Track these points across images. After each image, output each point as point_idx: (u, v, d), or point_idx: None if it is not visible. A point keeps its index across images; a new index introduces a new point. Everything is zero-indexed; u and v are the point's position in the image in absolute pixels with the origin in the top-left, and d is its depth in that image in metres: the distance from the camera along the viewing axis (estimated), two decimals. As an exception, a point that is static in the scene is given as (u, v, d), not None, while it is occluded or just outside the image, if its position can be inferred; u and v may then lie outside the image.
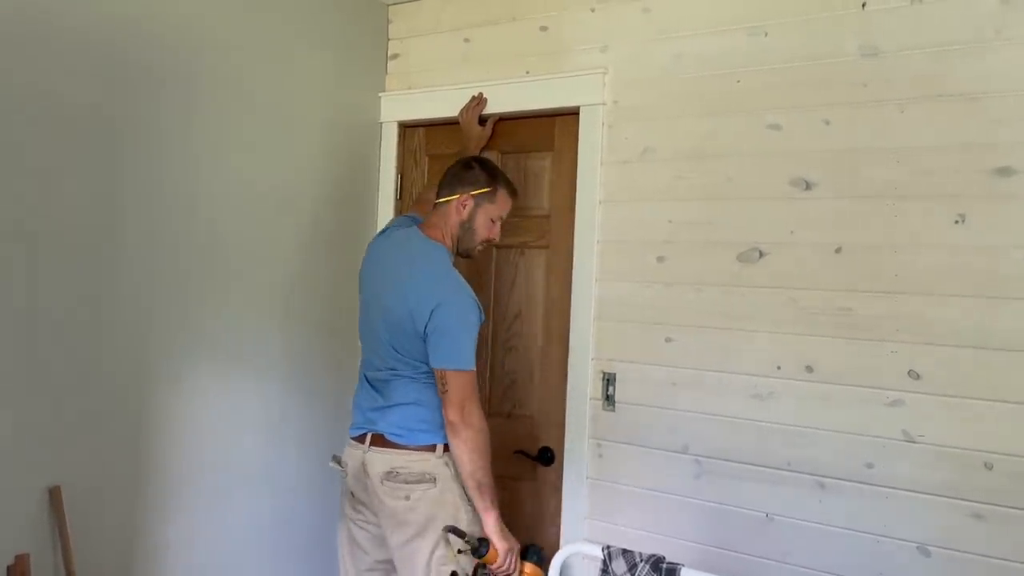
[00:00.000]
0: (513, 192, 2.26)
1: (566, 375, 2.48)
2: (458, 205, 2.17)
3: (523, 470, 2.56)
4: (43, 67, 1.90)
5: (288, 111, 2.56)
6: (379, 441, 2.12)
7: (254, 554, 2.51)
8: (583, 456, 2.43)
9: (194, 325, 2.28)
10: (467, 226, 2.18)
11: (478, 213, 2.19)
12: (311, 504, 2.70)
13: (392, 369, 2.13)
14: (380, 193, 2.93)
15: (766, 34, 2.18)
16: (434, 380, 2.07)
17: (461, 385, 2.01)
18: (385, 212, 2.91)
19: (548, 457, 2.54)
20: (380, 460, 2.10)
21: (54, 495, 1.95)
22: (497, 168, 2.27)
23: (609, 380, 2.39)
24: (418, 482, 2.05)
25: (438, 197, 2.21)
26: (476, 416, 2.01)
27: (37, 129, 1.90)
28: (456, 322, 2.03)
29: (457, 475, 2.06)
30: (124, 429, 2.12)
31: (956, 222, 1.91)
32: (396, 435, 2.10)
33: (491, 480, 2.02)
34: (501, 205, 2.22)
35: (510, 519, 2.55)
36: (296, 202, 2.60)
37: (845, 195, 2.05)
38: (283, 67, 2.53)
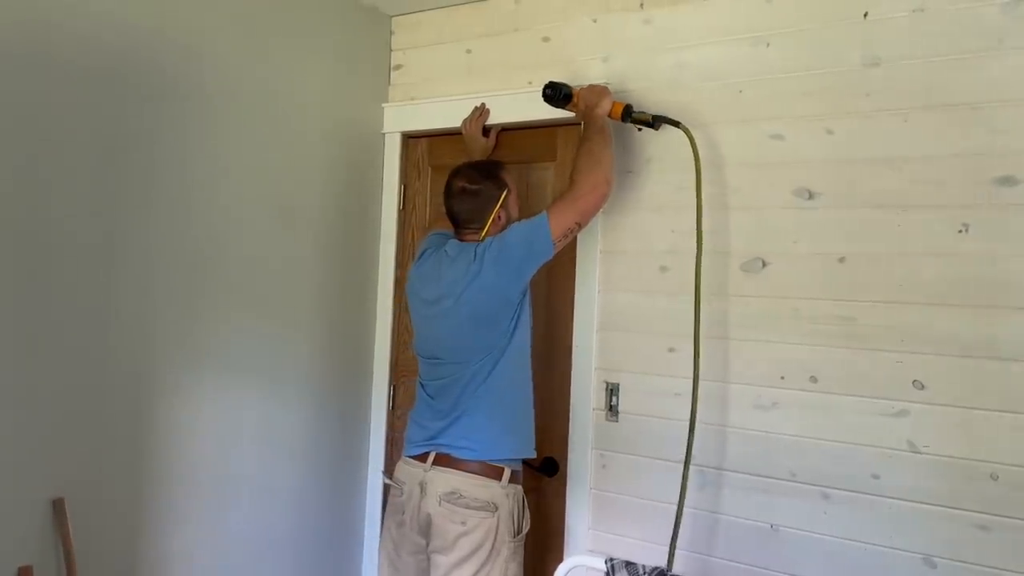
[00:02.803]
0: (504, 167, 2.30)
1: (569, 385, 2.48)
2: (495, 226, 2.19)
3: (526, 481, 2.54)
4: (44, 83, 1.91)
5: (291, 122, 2.57)
6: (444, 460, 2.11)
7: (258, 566, 2.50)
8: (586, 467, 2.42)
9: (196, 336, 2.28)
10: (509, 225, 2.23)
11: (511, 211, 2.24)
12: (316, 516, 2.70)
13: (458, 376, 2.12)
14: (383, 204, 2.93)
15: (768, 44, 2.18)
16: (503, 381, 2.11)
17: (560, 221, 2.06)
18: (388, 223, 2.91)
19: (552, 468, 2.53)
20: (443, 480, 2.09)
21: (57, 507, 1.94)
22: (484, 167, 2.28)
23: (612, 390, 2.39)
24: (479, 509, 2.05)
25: (467, 233, 2.22)
26: (589, 185, 2.10)
27: (39, 144, 1.91)
28: (513, 228, 2.11)
29: (514, 508, 2.08)
30: (127, 441, 2.12)
31: (960, 231, 1.91)
32: (461, 449, 2.09)
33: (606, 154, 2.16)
34: (513, 185, 2.25)
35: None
36: (299, 213, 2.61)
37: (848, 205, 2.05)
38: (286, 78, 2.54)
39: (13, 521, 1.88)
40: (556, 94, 2.31)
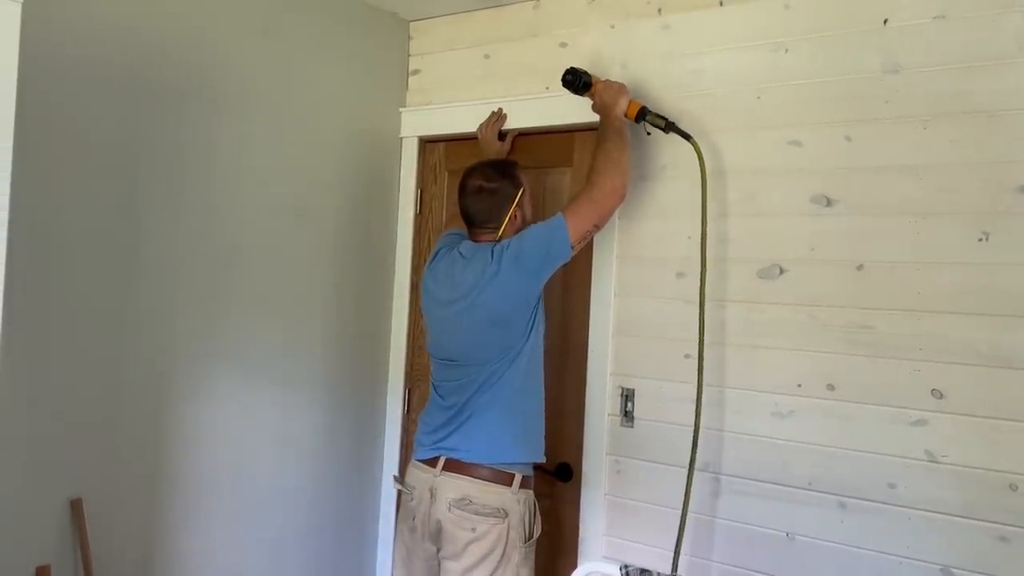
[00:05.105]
0: (519, 165, 2.29)
1: (584, 390, 2.48)
2: (511, 225, 2.18)
3: (541, 486, 2.54)
4: (69, 90, 1.94)
5: (309, 126, 2.58)
6: (454, 466, 2.10)
7: (273, 566, 2.51)
8: (601, 472, 2.42)
9: (214, 339, 2.30)
10: (525, 225, 2.21)
11: (527, 211, 2.24)
12: (331, 518, 2.71)
13: (472, 378, 2.12)
14: (400, 208, 2.94)
15: (787, 50, 2.17)
16: (516, 384, 2.10)
17: (577, 224, 2.06)
18: (405, 227, 2.93)
19: (566, 473, 2.53)
20: (453, 486, 2.08)
21: (75, 507, 1.96)
22: (500, 166, 2.27)
23: (627, 396, 2.38)
24: (489, 515, 2.04)
25: (483, 233, 2.21)
26: (608, 187, 2.10)
27: (61, 146, 1.93)
28: (531, 230, 2.10)
29: (525, 514, 2.07)
30: (145, 442, 2.14)
31: (980, 240, 1.89)
32: (470, 452, 2.08)
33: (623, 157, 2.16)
34: (527, 184, 2.24)
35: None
36: (317, 217, 2.62)
37: (867, 212, 2.04)
38: (304, 83, 2.55)
39: (31, 520, 1.90)
40: (576, 81, 2.30)
